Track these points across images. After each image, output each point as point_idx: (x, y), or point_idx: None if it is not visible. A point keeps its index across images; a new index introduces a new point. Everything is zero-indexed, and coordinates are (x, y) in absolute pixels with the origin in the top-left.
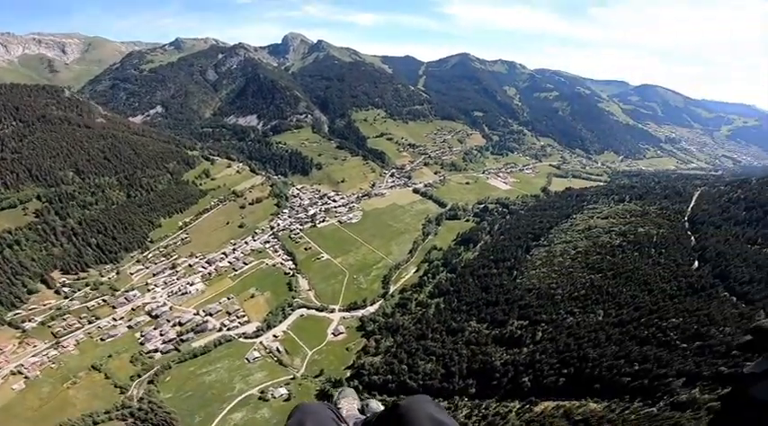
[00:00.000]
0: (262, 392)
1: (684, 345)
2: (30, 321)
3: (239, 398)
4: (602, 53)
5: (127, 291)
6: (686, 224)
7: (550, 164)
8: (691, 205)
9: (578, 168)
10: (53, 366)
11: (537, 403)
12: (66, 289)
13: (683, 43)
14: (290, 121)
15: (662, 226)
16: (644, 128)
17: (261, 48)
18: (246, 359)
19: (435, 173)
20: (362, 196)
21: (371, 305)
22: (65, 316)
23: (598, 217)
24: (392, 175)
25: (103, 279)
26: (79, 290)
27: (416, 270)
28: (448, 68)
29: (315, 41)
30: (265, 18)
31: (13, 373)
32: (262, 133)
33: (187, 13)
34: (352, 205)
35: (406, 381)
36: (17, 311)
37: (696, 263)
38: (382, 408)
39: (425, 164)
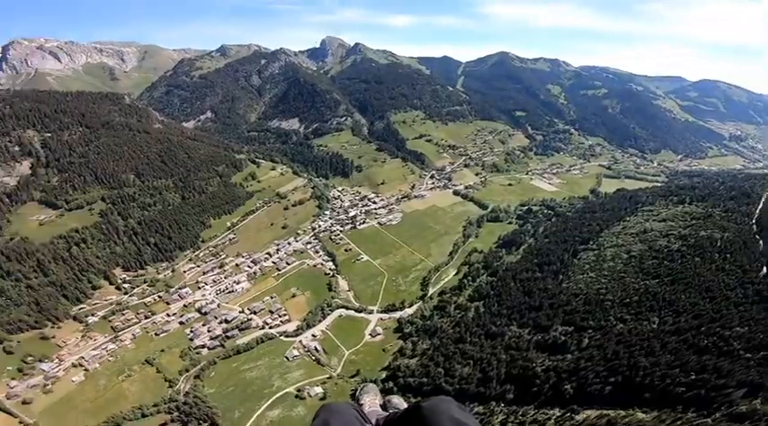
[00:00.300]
0: (298, 390)
1: (749, 355)
2: (92, 315)
3: (277, 395)
4: (652, 49)
5: (180, 288)
6: (754, 227)
7: (600, 165)
8: (759, 207)
9: (631, 168)
10: (111, 359)
11: (579, 412)
12: (126, 286)
13: (737, 38)
14: (330, 124)
15: (727, 230)
16: (705, 125)
17: (300, 52)
18: (286, 357)
19: (476, 175)
20: (402, 198)
21: (410, 307)
22: (123, 311)
23: (654, 220)
24: (432, 177)
25: (159, 276)
26: (137, 287)
27: (456, 273)
28: (487, 68)
29: (352, 45)
30: (304, 23)
31: (74, 365)
32: (303, 136)
33: (230, 20)
34: (391, 207)
35: (441, 384)
36: (81, 306)
37: (765, 269)
38: (405, 405)
39: (466, 166)
